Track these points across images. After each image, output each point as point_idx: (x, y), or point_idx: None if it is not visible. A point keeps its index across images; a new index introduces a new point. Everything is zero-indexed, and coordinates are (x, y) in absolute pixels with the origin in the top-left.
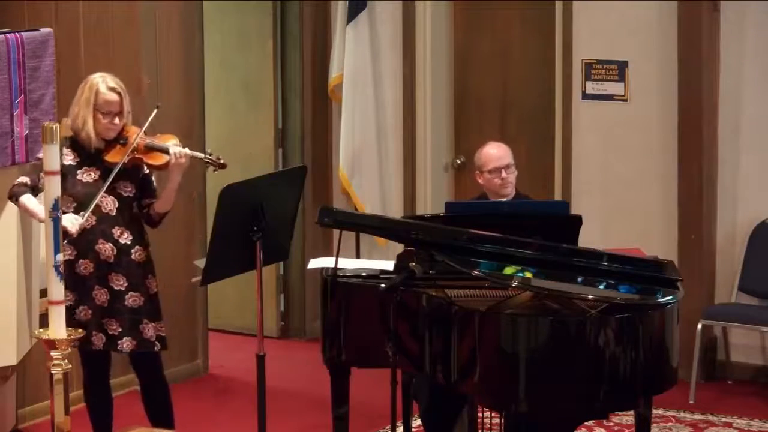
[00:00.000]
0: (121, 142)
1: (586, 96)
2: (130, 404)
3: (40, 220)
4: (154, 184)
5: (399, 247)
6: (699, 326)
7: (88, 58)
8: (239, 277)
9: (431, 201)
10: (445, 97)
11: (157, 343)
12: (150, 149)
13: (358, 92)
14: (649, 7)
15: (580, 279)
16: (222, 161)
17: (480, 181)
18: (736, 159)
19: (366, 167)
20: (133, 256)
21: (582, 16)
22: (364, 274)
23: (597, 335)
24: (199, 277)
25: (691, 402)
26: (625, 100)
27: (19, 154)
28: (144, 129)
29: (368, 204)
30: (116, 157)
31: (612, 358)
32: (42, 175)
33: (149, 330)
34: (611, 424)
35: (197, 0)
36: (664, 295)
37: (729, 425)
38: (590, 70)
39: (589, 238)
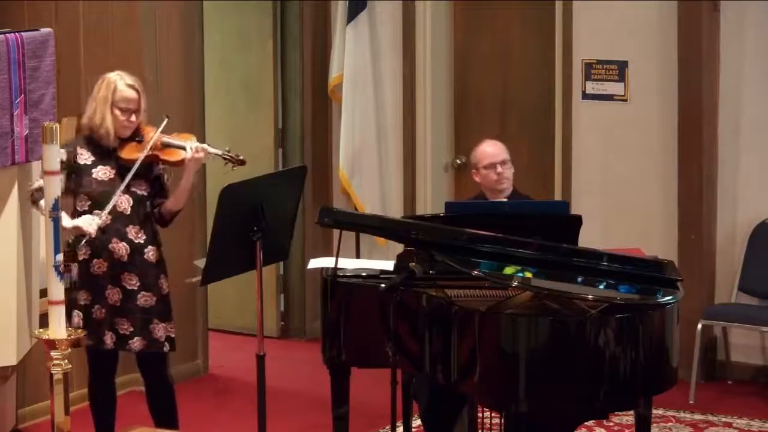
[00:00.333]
0: (137, 139)
1: (586, 96)
2: (131, 404)
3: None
4: (167, 183)
5: (399, 247)
6: (699, 326)
7: (88, 58)
8: (239, 277)
9: (431, 201)
10: (445, 97)
11: (166, 343)
12: (167, 146)
13: (358, 92)
14: (649, 7)
15: (580, 279)
16: (241, 157)
17: (476, 178)
18: (736, 159)
19: (366, 167)
20: (146, 256)
21: (582, 16)
22: (364, 274)
23: (597, 335)
24: (198, 277)
25: (691, 402)
26: (625, 100)
27: (19, 154)
28: (161, 128)
29: (368, 204)
30: (133, 155)
31: (612, 358)
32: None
33: (159, 330)
34: (611, 424)
35: (197, 0)
36: (664, 295)
37: (729, 425)
38: (590, 70)
39: (589, 238)
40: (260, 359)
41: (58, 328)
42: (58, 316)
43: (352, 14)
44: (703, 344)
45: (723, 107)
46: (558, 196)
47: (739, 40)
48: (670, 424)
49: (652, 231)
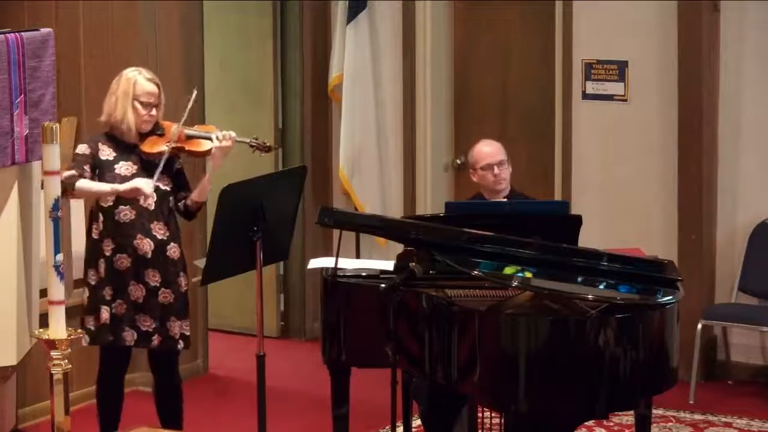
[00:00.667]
0: (158, 133)
1: (586, 96)
2: (134, 404)
3: (107, 194)
4: (187, 177)
5: (399, 247)
6: (699, 326)
7: (88, 58)
8: (239, 277)
9: (431, 201)
10: (445, 97)
11: (180, 341)
12: (190, 137)
13: (358, 92)
14: (649, 7)
15: (580, 279)
16: (268, 144)
17: (474, 179)
18: (736, 159)
19: (366, 167)
20: (168, 253)
21: (582, 16)
22: (364, 274)
23: (597, 335)
24: (198, 277)
25: (691, 402)
26: (625, 100)
27: (18, 154)
28: (183, 120)
29: (368, 204)
30: (156, 148)
31: (612, 358)
32: (86, 168)
33: (175, 328)
34: (611, 424)
35: (197, 0)
36: (664, 295)
37: (729, 425)
38: (590, 70)
39: (589, 238)
40: (260, 359)
41: (58, 328)
42: (58, 316)
43: (352, 14)
44: (703, 344)
45: (723, 107)
46: (558, 196)
47: (739, 40)
48: (670, 424)
49: (652, 231)
